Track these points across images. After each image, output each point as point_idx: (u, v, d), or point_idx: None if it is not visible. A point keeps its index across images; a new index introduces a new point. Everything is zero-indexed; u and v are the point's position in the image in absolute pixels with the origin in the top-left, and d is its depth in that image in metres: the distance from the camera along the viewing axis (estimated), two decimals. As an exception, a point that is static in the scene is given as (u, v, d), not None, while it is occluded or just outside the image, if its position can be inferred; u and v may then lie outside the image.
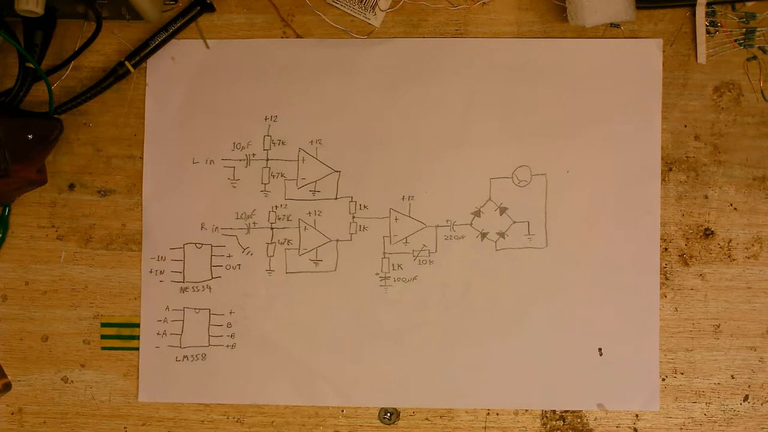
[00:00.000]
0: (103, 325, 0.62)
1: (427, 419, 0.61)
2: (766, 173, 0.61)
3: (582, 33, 0.61)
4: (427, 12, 0.62)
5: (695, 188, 0.61)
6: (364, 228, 0.62)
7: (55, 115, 0.60)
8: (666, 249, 0.61)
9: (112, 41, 0.62)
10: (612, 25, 0.61)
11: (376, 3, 0.61)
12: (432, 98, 0.61)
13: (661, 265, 0.61)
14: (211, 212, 0.62)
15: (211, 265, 0.62)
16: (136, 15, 0.58)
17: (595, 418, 0.61)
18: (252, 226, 0.62)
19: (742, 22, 0.60)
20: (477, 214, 0.61)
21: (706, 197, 0.61)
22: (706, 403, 0.61)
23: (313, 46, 0.62)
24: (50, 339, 0.62)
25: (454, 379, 0.61)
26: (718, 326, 0.61)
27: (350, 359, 0.61)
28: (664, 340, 0.61)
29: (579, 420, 0.61)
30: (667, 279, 0.61)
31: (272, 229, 0.62)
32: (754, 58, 0.61)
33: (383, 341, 0.61)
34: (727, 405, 0.61)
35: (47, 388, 0.62)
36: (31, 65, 0.57)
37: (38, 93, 0.61)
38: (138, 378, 0.62)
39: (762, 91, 0.61)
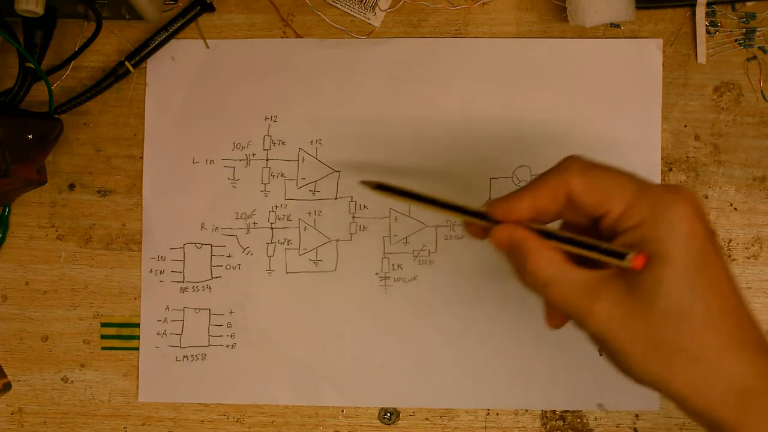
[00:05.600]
0: (103, 325, 0.62)
1: (427, 419, 0.61)
2: (766, 173, 0.61)
3: (582, 33, 0.61)
4: (427, 12, 0.62)
5: (695, 188, 0.61)
6: (364, 228, 0.61)
7: (55, 115, 0.60)
8: (666, 249, 0.61)
9: (112, 41, 0.62)
10: (612, 25, 0.61)
11: (376, 3, 0.61)
12: (432, 98, 0.61)
13: (661, 265, 0.61)
14: (211, 212, 0.62)
15: (211, 265, 0.62)
16: (136, 15, 0.58)
17: (595, 418, 0.61)
18: (252, 226, 0.62)
19: (742, 22, 0.60)
20: (477, 214, 0.61)
21: (706, 197, 0.61)
22: (706, 403, 0.61)
23: (313, 46, 0.62)
24: (50, 339, 0.62)
25: (454, 379, 0.61)
26: (718, 326, 0.61)
27: (350, 359, 0.61)
28: (664, 340, 0.61)
29: (579, 420, 0.61)
30: (667, 279, 0.61)
31: (272, 229, 0.62)
32: (754, 58, 0.61)
33: (383, 341, 0.61)
34: (727, 405, 0.61)
35: (47, 388, 0.62)
36: (31, 65, 0.57)
37: (38, 93, 0.61)
38: (138, 378, 0.62)
39: (762, 91, 0.61)
